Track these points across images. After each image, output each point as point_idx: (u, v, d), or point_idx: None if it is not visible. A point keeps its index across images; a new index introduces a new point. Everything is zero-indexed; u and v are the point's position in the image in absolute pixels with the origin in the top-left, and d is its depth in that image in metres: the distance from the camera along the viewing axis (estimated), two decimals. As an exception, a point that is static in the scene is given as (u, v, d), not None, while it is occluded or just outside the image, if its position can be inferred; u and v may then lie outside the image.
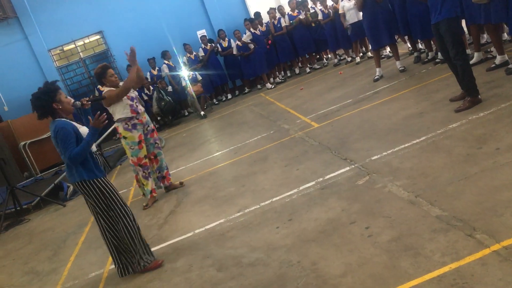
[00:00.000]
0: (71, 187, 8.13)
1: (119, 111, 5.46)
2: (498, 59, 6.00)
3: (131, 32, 12.75)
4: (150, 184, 5.78)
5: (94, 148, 3.79)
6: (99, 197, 3.74)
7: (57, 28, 12.82)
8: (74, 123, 3.75)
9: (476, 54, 6.57)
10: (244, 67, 12.17)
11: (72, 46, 13.42)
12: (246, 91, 12.59)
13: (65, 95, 3.81)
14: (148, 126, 5.73)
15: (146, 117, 5.73)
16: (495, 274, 2.40)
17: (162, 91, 11.49)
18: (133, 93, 5.62)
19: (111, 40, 13.25)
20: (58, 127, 3.63)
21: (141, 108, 5.64)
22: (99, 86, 11.94)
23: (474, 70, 5.27)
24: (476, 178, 3.47)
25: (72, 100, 3.85)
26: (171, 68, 11.80)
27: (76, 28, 12.90)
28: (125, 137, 5.58)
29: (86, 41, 13.51)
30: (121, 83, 5.53)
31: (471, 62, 6.12)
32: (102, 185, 3.74)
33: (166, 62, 11.73)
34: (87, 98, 3.91)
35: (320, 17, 11.25)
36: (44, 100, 3.65)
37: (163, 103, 11.01)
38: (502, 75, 5.63)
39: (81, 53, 13.55)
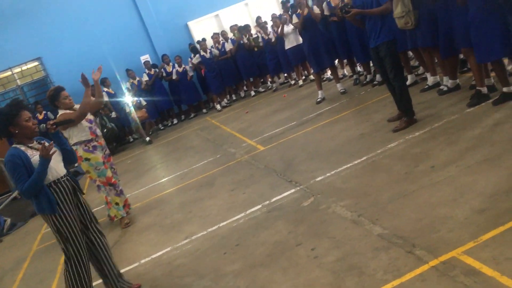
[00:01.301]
0: (8, 221, 7.71)
1: (77, 134, 5.19)
2: (431, 80, 6.34)
3: (72, 58, 12.44)
4: (123, 200, 5.61)
5: (60, 174, 3.43)
6: (54, 232, 3.46)
7: (-7, 54, 12.32)
8: (28, 151, 3.33)
9: (409, 76, 6.90)
10: (190, 90, 12.18)
11: (9, 73, 12.90)
12: (192, 116, 12.55)
13: (29, 117, 3.41)
14: (106, 150, 5.57)
15: (103, 141, 5.56)
16: (434, 289, 2.49)
17: (105, 118, 11.23)
18: (91, 116, 5.41)
19: (50, 67, 12.86)
20: (7, 158, 3.31)
21: (99, 131, 5.48)
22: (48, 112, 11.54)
23: (410, 91, 5.52)
24: (415, 195, 3.62)
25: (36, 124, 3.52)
26: (110, 95, 11.56)
27: (13, 55, 12.42)
28: (87, 159, 5.27)
29: (24, 68, 13.04)
30: (76, 106, 5.25)
31: (407, 83, 6.41)
32: (53, 222, 3.38)
33: (106, 89, 11.51)
34: (51, 122, 3.54)
35: (261, 41, 11.48)
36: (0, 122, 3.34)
37: (105, 130, 10.76)
38: (435, 95, 5.94)
39: (18, 80, 13.05)
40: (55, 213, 3.37)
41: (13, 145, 3.41)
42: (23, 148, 3.36)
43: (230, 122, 9.66)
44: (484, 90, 5.09)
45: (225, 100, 12.31)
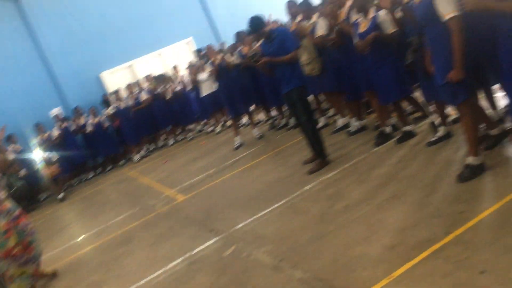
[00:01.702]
0: None
1: None
2: (340, 122, 6.67)
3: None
4: (32, 267, 5.03)
5: None
6: None
7: None
8: None
9: (321, 119, 7.22)
10: (106, 142, 11.83)
11: None
12: (108, 168, 12.13)
13: None
14: (14, 212, 5.07)
15: (9, 203, 5.09)
16: (354, 330, 2.53)
17: (12, 176, 10.52)
18: None
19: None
20: None
21: (2, 194, 5.04)
22: None
23: (321, 134, 5.76)
24: (331, 236, 3.71)
25: None
26: (18, 152, 10.90)
27: None
28: None
29: None
30: None
31: (319, 126, 6.71)
32: None
33: (12, 146, 10.86)
34: None
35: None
36: None
37: (13, 189, 10.05)
38: (345, 136, 6.25)
39: None
40: None
41: None
42: None
43: (148, 173, 9.45)
44: (387, 129, 5.44)
45: (143, 150, 12.07)
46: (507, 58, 3.25)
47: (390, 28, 4.72)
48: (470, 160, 3.76)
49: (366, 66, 5.15)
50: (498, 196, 3.32)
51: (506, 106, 4.24)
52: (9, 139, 10.94)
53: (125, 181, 9.67)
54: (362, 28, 4.92)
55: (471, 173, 3.71)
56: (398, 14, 4.79)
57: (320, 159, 5.44)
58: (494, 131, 4.07)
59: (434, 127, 4.90)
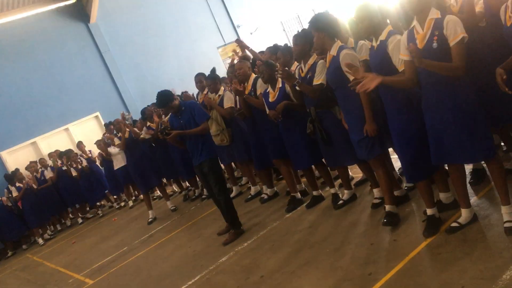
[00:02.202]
0: None
1: None
2: (253, 190, 6.76)
3: None
4: None
5: None
6: None
7: None
8: None
9: (234, 188, 7.27)
10: (6, 226, 10.90)
11: None
12: (9, 255, 11.10)
13: None
14: None
15: None
16: None
17: None
18: None
19: None
20: None
21: None
22: None
23: (235, 202, 5.76)
24: (248, 310, 3.63)
25: None
26: None
27: None
28: None
29: None
30: None
31: (232, 195, 6.73)
32: None
33: None
34: None
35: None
36: None
37: None
38: (258, 204, 6.31)
39: None
40: None
41: None
42: None
43: (54, 256, 8.78)
44: (298, 195, 5.60)
45: (48, 232, 11.27)
46: (396, 127, 3.59)
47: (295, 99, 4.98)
48: (389, 208, 4.07)
49: (275, 134, 5.34)
50: (403, 254, 3.48)
51: (400, 168, 4.60)
52: None
53: (28, 267, 8.89)
54: (272, 98, 5.14)
55: (392, 219, 4.00)
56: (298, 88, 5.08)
57: (234, 229, 5.42)
58: (397, 193, 4.37)
59: (337, 193, 5.15)
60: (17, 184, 10.79)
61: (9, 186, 10.91)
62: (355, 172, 5.74)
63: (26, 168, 11.43)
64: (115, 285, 5.61)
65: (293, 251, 4.35)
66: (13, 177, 10.97)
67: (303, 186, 5.90)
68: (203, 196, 8.04)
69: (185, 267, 5.21)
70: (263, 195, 6.40)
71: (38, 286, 7.19)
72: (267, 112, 5.19)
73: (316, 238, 4.43)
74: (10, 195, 10.88)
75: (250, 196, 6.75)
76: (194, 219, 7.07)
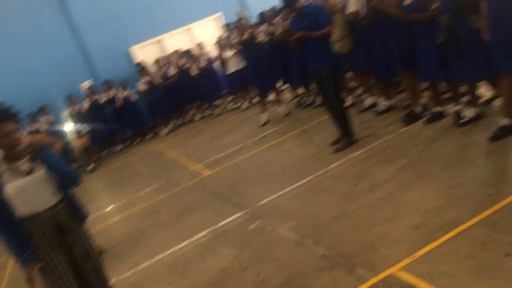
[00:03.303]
0: None
1: None
2: (368, 101, 6.58)
3: (13, 86, 11.91)
4: None
5: (39, 207, 2.71)
6: None
7: None
8: (5, 174, 2.66)
9: (349, 97, 7.14)
10: (135, 115, 12.02)
11: None
12: (137, 141, 12.34)
13: (8, 132, 2.62)
14: None
15: None
16: (374, 307, 2.55)
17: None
18: None
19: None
20: None
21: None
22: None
23: (349, 112, 5.70)
24: (355, 215, 3.72)
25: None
26: (50, 123, 11.17)
27: None
28: None
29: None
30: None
31: (346, 105, 6.63)
32: None
33: (44, 118, 11.12)
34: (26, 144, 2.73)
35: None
36: None
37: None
38: (372, 116, 6.17)
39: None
40: (26, 264, 2.69)
41: None
42: (2, 168, 2.68)
43: (175, 148, 9.57)
44: (418, 109, 5.35)
45: (170, 125, 12.21)
46: None
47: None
48: (505, 121, 3.90)
49: (403, 42, 5.02)
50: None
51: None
52: (42, 110, 11.22)
53: (152, 155, 9.84)
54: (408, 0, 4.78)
55: (503, 133, 3.85)
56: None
57: (346, 138, 5.40)
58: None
59: (460, 112, 4.81)
60: (144, 79, 11.64)
61: (143, 75, 11.82)
62: (484, 91, 5.29)
63: (152, 64, 12.20)
64: (229, 178, 6.01)
65: (407, 164, 4.26)
66: (141, 71, 11.82)
67: (424, 101, 5.59)
68: (317, 104, 8.04)
69: (294, 169, 5.38)
70: (379, 107, 6.22)
71: (161, 171, 7.96)
72: (398, 16, 4.86)
73: (432, 154, 4.28)
74: (137, 89, 11.81)
75: (364, 107, 6.61)
76: (306, 125, 7.15)
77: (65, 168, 2.77)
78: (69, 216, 2.80)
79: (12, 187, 2.63)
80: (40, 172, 2.70)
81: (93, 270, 2.90)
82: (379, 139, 5.19)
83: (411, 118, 5.29)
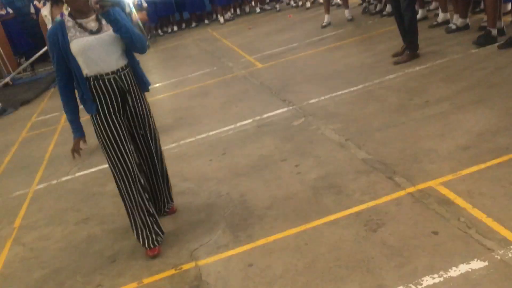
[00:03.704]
0: (-1, 105, 7.73)
1: None
2: (441, 17, 6.17)
3: None
4: None
5: (105, 69, 2.61)
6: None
7: None
8: (71, 30, 2.54)
9: (420, 11, 6.70)
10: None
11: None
12: (193, 25, 12.23)
13: None
14: None
15: None
16: (406, 213, 2.58)
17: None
18: None
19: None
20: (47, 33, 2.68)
21: None
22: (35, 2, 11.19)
23: (418, 25, 5.36)
24: (404, 127, 3.64)
25: None
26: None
27: None
28: None
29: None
30: None
31: (417, 17, 6.24)
32: (93, 124, 2.71)
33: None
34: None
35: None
36: None
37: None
38: (442, 33, 5.80)
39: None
40: (92, 113, 2.66)
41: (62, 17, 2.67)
42: (69, 23, 2.56)
43: (231, 36, 9.44)
44: (494, 32, 4.97)
45: (229, 13, 11.95)
46: None
47: None
48: None
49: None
50: None
51: None
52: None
53: (207, 40, 9.77)
54: None
55: None
56: None
57: (409, 51, 5.15)
58: None
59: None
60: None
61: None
62: None
63: None
64: (281, 73, 5.94)
65: (468, 86, 4.06)
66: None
67: (502, 24, 5.17)
68: (384, 13, 7.61)
69: (349, 74, 5.25)
70: (451, 25, 5.81)
71: (214, 57, 7.95)
72: None
73: (499, 80, 4.03)
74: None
75: (436, 22, 6.20)
76: (369, 33, 6.84)
77: (134, 30, 2.58)
78: (133, 82, 2.71)
79: (78, 44, 2.51)
80: (108, 33, 2.56)
81: (150, 138, 2.89)
82: (444, 58, 4.92)
83: (484, 41, 4.94)
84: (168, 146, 4.47)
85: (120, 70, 2.64)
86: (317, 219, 2.73)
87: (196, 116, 5.19)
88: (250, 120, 4.60)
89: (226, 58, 7.54)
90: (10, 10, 12.01)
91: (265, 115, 4.63)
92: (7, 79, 9.46)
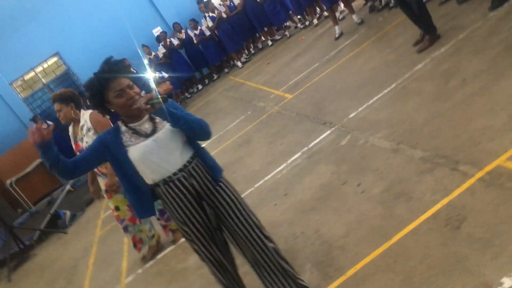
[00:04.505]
0: (68, 213, 8.14)
1: None
2: (448, -9, 6.10)
3: (88, 46, 12.59)
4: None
5: (170, 170, 2.36)
6: None
7: (13, 59, 12.57)
8: (125, 135, 2.38)
9: (426, -9, 6.65)
10: (208, 52, 12.19)
11: (32, 74, 13.23)
12: (215, 78, 12.59)
13: (121, 89, 2.32)
14: None
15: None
16: (484, 200, 2.54)
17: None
18: None
19: (69, 59, 13.09)
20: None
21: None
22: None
23: (428, 7, 5.34)
24: (450, 113, 3.60)
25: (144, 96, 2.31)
26: (134, 74, 11.71)
27: (32, 54, 12.69)
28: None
29: (45, 65, 13.33)
30: None
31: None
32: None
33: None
34: (146, 96, 2.27)
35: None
36: (93, 102, 2.40)
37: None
38: (455, 5, 5.73)
39: (43, 79, 13.38)
40: (149, 216, 2.55)
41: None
42: (123, 129, 2.40)
43: (253, 77, 9.66)
44: (506, -11, 4.89)
45: (244, 55, 12.25)
46: None
47: None
48: None
49: None
50: None
51: None
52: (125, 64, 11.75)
53: (233, 88, 10.02)
54: None
55: None
56: None
57: (429, 35, 5.11)
58: None
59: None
60: (210, 14, 11.63)
61: (203, 17, 11.83)
62: None
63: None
64: (312, 97, 6.01)
65: (501, 51, 3.98)
66: (207, 6, 11.80)
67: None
68: (391, 5, 7.60)
69: (378, 77, 5.25)
70: (460, -5, 5.75)
71: (245, 102, 8.14)
72: None
73: (529, 35, 3.95)
74: (207, 26, 11.85)
75: (445, -2, 6.14)
76: (383, 30, 6.84)
77: (192, 118, 2.35)
78: (204, 172, 2.41)
79: (137, 151, 2.31)
80: (163, 130, 2.34)
81: (244, 225, 2.44)
82: (466, 30, 4.85)
83: (498, 1, 4.85)
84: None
85: (188, 164, 2.36)
86: (397, 232, 2.73)
87: (247, 166, 5.31)
88: (299, 154, 4.67)
89: (256, 100, 7.71)
90: (50, 122, 12.79)
91: (311, 144, 4.69)
92: (68, 187, 10.01)
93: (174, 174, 2.34)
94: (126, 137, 2.36)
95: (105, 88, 2.31)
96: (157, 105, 2.21)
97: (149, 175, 2.37)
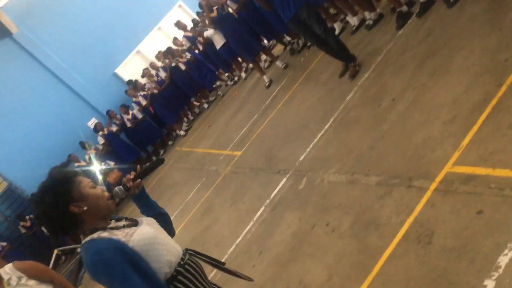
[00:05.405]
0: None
1: None
2: (355, 21, 6.50)
3: (23, 154, 12.27)
4: None
5: (179, 249, 2.09)
6: None
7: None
8: (117, 237, 1.90)
9: (335, 25, 7.06)
10: (147, 132, 12.23)
11: (-28, 198, 12.70)
12: (161, 153, 12.54)
13: (92, 184, 2.06)
14: None
15: None
16: (444, 209, 2.64)
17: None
18: None
19: (10, 174, 12.66)
20: (96, 259, 1.81)
21: None
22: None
23: (342, 39, 5.66)
24: (390, 133, 3.77)
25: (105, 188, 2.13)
26: (83, 167, 11.51)
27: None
28: None
29: (-16, 186, 12.84)
30: None
31: (336, 33, 6.60)
32: None
33: (77, 164, 11.44)
34: (131, 176, 2.22)
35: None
36: (53, 207, 1.90)
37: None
38: (366, 32, 6.11)
39: (-14, 200, 12.85)
40: None
41: (89, 239, 1.90)
42: (113, 236, 1.89)
43: (199, 142, 9.71)
44: (404, 8, 5.28)
45: (184, 123, 12.34)
46: None
47: None
48: None
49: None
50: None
51: None
52: (70, 159, 11.54)
53: (182, 158, 10.01)
54: None
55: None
56: None
57: (350, 64, 5.39)
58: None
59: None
60: (141, 93, 11.73)
61: (134, 98, 11.93)
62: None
63: (142, 76, 12.28)
64: (260, 149, 6.11)
65: (417, 65, 4.25)
66: (135, 87, 11.92)
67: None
68: (308, 44, 7.98)
69: (316, 115, 5.43)
70: (367, 21, 6.14)
71: (196, 170, 8.12)
72: None
73: (437, 45, 4.25)
74: (138, 109, 11.93)
75: (354, 27, 6.54)
76: (308, 69, 7.14)
77: (163, 211, 2.28)
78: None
79: (142, 238, 1.93)
80: (143, 217, 2.15)
81: None
82: (382, 52, 5.16)
83: (402, 20, 5.22)
84: (210, 276, 4.48)
85: (183, 247, 2.14)
86: (376, 262, 2.76)
87: (215, 233, 5.25)
88: (262, 208, 4.68)
89: (207, 165, 7.72)
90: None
91: (272, 195, 4.72)
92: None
93: (184, 255, 2.05)
94: (118, 236, 1.91)
95: (73, 183, 1.96)
96: (136, 189, 2.14)
97: (165, 258, 1.95)
